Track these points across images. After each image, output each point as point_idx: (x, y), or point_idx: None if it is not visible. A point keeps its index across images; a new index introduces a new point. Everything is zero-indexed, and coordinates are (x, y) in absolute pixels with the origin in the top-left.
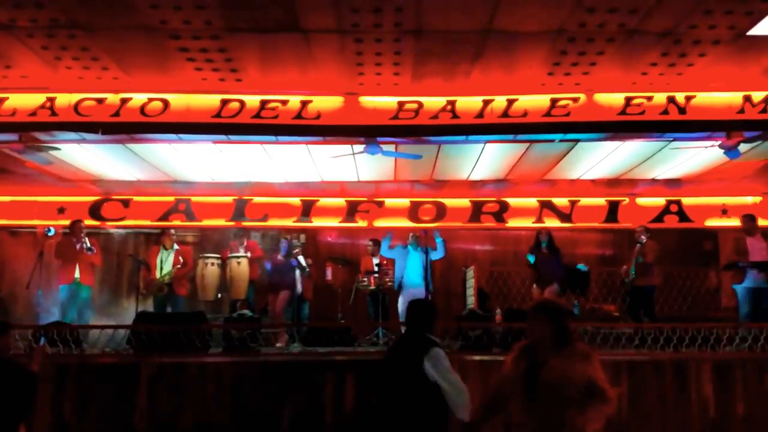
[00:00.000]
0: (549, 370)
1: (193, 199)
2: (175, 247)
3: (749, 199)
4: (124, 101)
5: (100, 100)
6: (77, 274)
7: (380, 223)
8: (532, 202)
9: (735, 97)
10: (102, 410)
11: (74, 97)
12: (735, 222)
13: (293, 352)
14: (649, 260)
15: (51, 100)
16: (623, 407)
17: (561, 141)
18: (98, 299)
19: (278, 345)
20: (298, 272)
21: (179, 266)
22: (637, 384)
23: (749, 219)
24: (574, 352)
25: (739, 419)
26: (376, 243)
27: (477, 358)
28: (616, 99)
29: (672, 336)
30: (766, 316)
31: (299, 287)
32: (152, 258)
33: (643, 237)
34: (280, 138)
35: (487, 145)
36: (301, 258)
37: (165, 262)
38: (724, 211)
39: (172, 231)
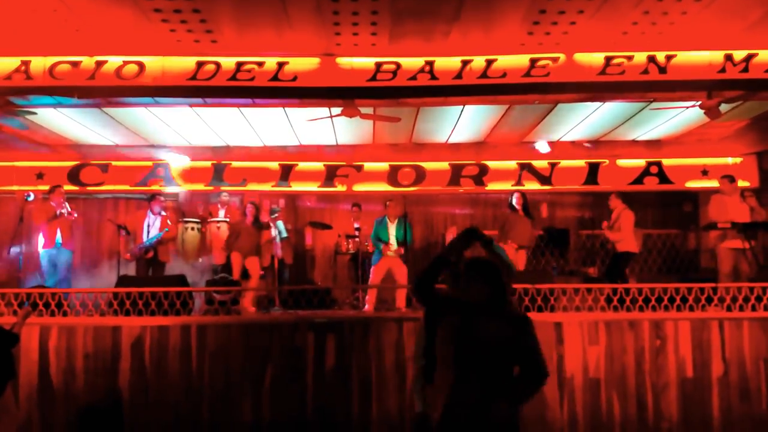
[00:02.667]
0: (478, 330)
1: (172, 163)
2: (162, 212)
3: (729, 160)
4: (99, 64)
5: (75, 64)
6: (59, 239)
7: (359, 187)
8: (511, 164)
9: (716, 56)
10: (87, 373)
11: (49, 61)
12: (715, 183)
13: (275, 313)
14: (626, 232)
15: (25, 63)
16: (601, 367)
17: (540, 102)
18: (79, 263)
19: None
20: (277, 237)
21: (167, 231)
22: (616, 343)
23: (728, 180)
24: (506, 316)
25: (716, 378)
26: (360, 207)
27: None
28: (596, 59)
29: (650, 296)
30: (745, 277)
31: (279, 252)
32: (139, 223)
33: (617, 206)
34: (257, 100)
35: (466, 106)
36: (280, 223)
37: (152, 227)
38: (705, 172)
39: (162, 197)
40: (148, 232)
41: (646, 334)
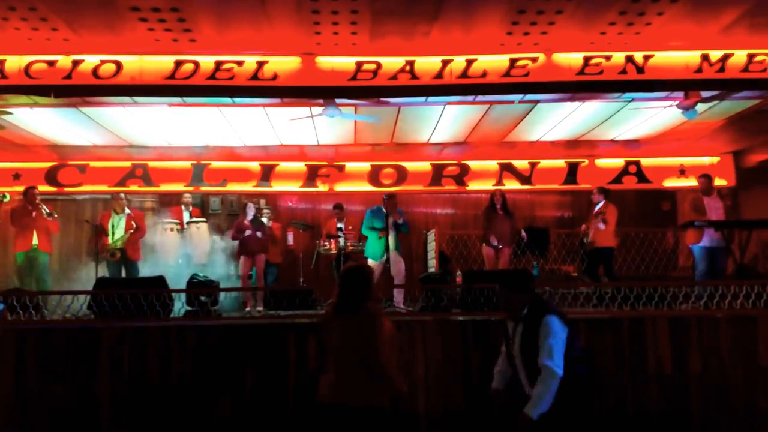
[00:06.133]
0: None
1: (150, 164)
2: (127, 211)
3: (707, 159)
4: (75, 63)
5: (51, 63)
6: (35, 241)
7: (341, 187)
8: (492, 164)
9: (693, 57)
10: (65, 376)
11: (24, 60)
12: (693, 182)
13: (255, 315)
14: (611, 228)
15: (0, 62)
16: None
17: (520, 102)
18: (57, 265)
19: (247, 309)
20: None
21: (132, 231)
22: (595, 341)
23: (706, 179)
24: (363, 312)
25: (695, 375)
26: (338, 207)
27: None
28: (575, 59)
29: (629, 294)
30: (722, 274)
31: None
32: (104, 223)
33: (601, 201)
34: (237, 100)
35: (446, 107)
36: (265, 220)
37: (117, 227)
38: (682, 172)
39: (122, 195)
40: (113, 233)
41: (626, 332)
